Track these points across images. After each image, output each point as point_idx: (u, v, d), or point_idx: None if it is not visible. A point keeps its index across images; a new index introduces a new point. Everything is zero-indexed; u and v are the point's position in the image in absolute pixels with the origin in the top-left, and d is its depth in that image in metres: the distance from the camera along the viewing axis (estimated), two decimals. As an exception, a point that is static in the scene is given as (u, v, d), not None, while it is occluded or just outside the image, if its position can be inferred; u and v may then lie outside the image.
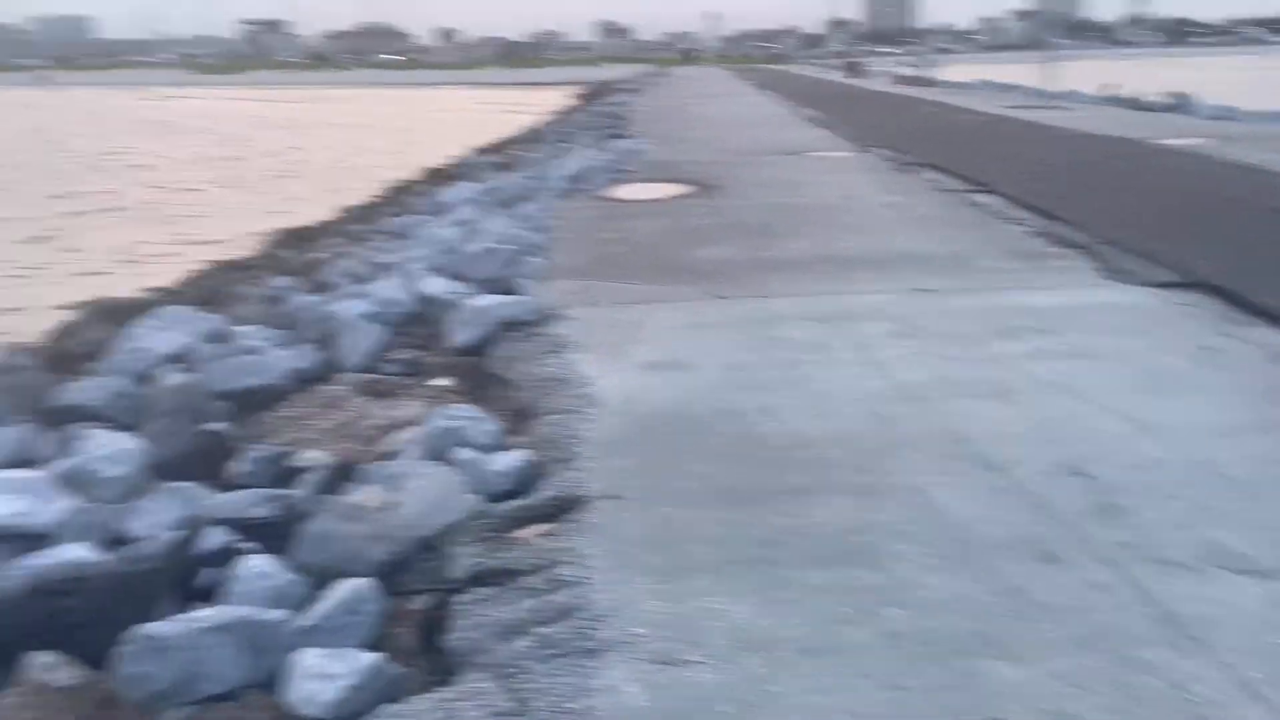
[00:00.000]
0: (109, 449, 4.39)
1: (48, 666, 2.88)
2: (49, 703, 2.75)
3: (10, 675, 2.91)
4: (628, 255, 8.12)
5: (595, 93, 48.63)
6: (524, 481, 4.01)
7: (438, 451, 4.23)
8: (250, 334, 6.58)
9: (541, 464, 4.10)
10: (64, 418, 5.30)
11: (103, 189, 23.46)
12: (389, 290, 7.31)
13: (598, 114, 28.96)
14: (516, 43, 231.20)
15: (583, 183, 12.72)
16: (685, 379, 5.05)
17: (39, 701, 2.74)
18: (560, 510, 3.63)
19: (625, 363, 5.33)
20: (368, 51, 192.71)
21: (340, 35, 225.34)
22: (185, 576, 3.32)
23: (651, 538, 3.39)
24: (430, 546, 3.50)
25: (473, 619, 3.00)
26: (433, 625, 3.07)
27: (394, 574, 3.36)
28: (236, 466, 4.47)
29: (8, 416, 5.37)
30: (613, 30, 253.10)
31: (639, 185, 12.20)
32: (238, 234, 17.29)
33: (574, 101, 45.60)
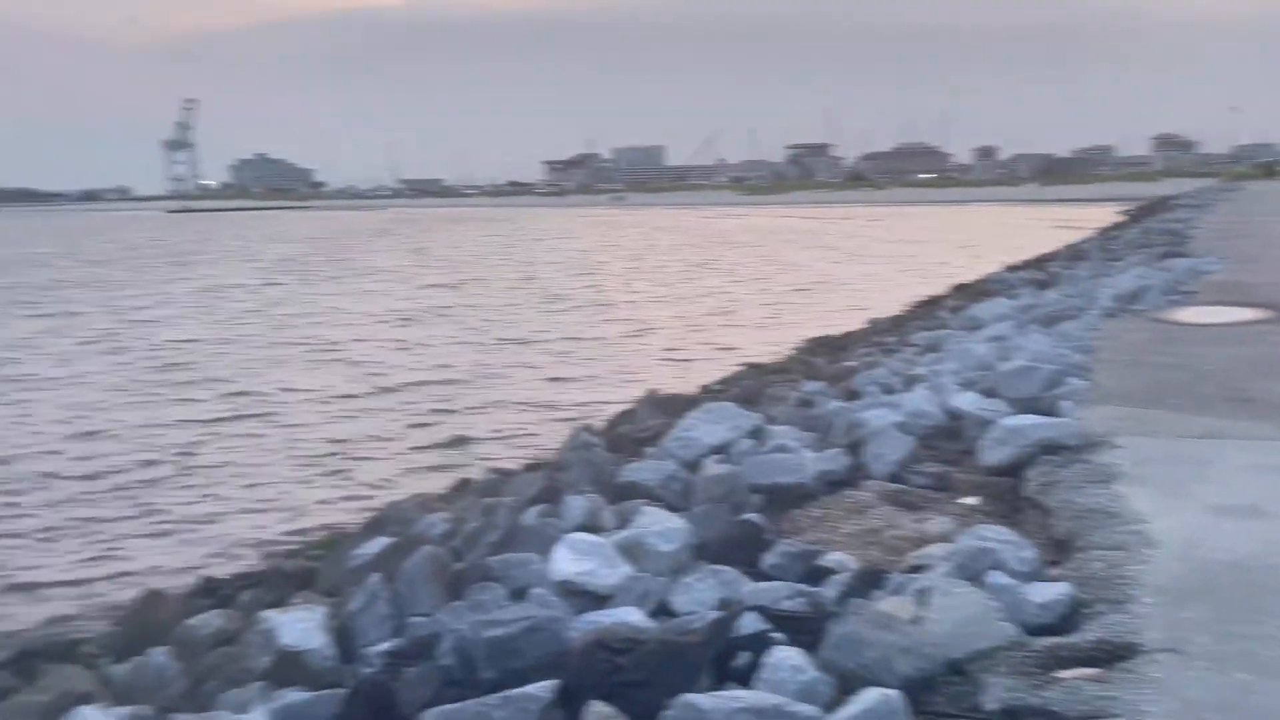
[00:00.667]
0: (661, 526, 4.81)
1: (604, 717, 3.17)
2: (602, 750, 3.01)
3: (573, 718, 3.25)
4: (1189, 383, 7.30)
5: (1150, 208, 45.10)
6: (1066, 617, 3.70)
7: (969, 572, 4.06)
8: (783, 434, 6.88)
9: (1086, 602, 3.75)
10: (624, 493, 5.93)
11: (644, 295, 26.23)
12: (918, 402, 7.26)
13: (1153, 230, 26.75)
14: (1060, 159, 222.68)
15: (1134, 303, 11.74)
16: (1265, 529, 4.36)
17: (595, 747, 3.01)
18: (1109, 656, 3.28)
19: (1187, 502, 4.75)
20: (904, 171, 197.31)
21: (878, 156, 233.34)
22: (723, 656, 3.49)
23: (1224, 704, 2.94)
24: (960, 670, 3.34)
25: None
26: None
27: (920, 692, 3.25)
28: (768, 558, 4.65)
29: (581, 487, 6.14)
30: (1172, 143, 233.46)
31: (1203, 308, 10.98)
32: (774, 340, 18.48)
33: (1124, 218, 42.71)
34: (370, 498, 9.86)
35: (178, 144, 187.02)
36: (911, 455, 6.23)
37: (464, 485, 8.87)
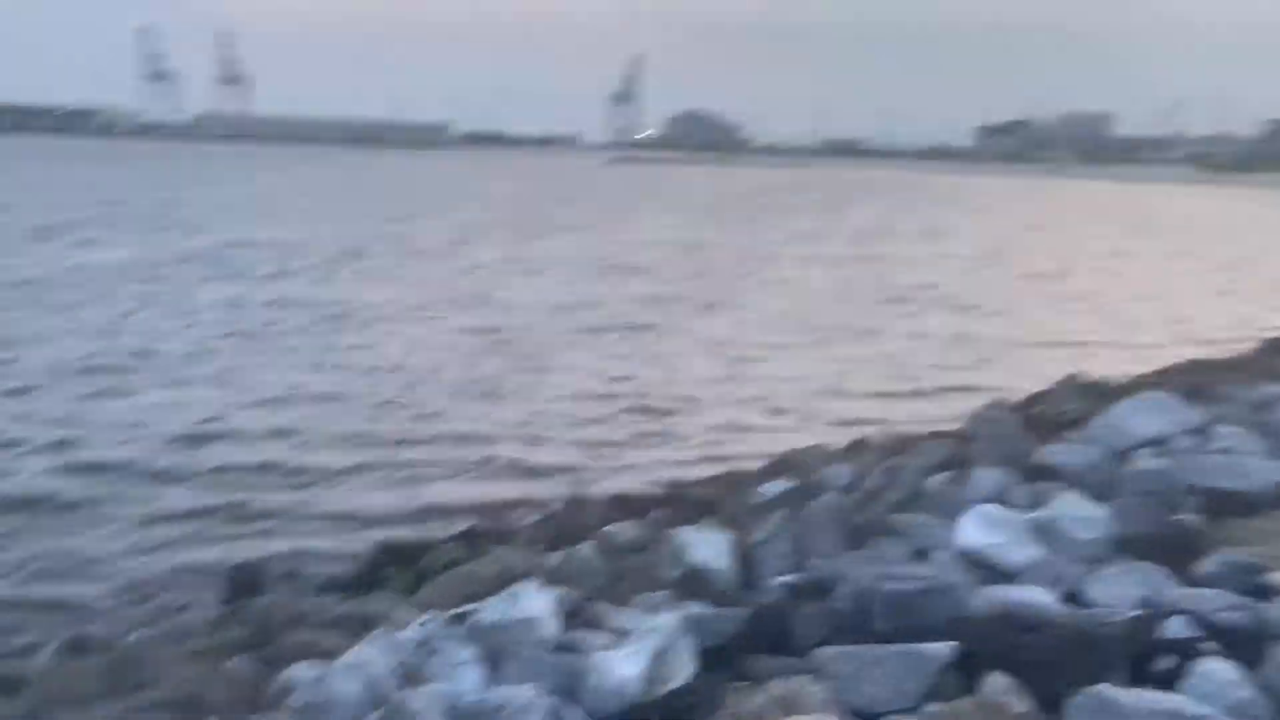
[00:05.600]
0: (1080, 512, 4.54)
1: (1003, 689, 3.10)
2: (1000, 721, 2.96)
3: (971, 685, 3.21)
4: None
5: None
6: None
7: None
8: (1231, 435, 6.18)
9: None
10: (1037, 474, 5.66)
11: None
12: None
13: None
14: None
15: None
16: None
17: (993, 718, 2.96)
18: None
19: None
20: None
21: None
22: (1141, 655, 3.26)
23: None
24: None
25: None
26: None
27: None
28: (1203, 564, 4.25)
29: (990, 460, 5.94)
30: None
31: None
32: (1232, 335, 16.47)
33: None
34: (772, 439, 10.16)
35: (622, 97, 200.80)
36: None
37: (862, 443, 8.89)
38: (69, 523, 8.14)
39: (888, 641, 3.80)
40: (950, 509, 5.06)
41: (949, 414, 10.26)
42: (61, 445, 9.85)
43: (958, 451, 6.49)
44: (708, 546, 4.75)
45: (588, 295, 20.07)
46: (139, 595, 6.91)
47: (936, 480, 5.74)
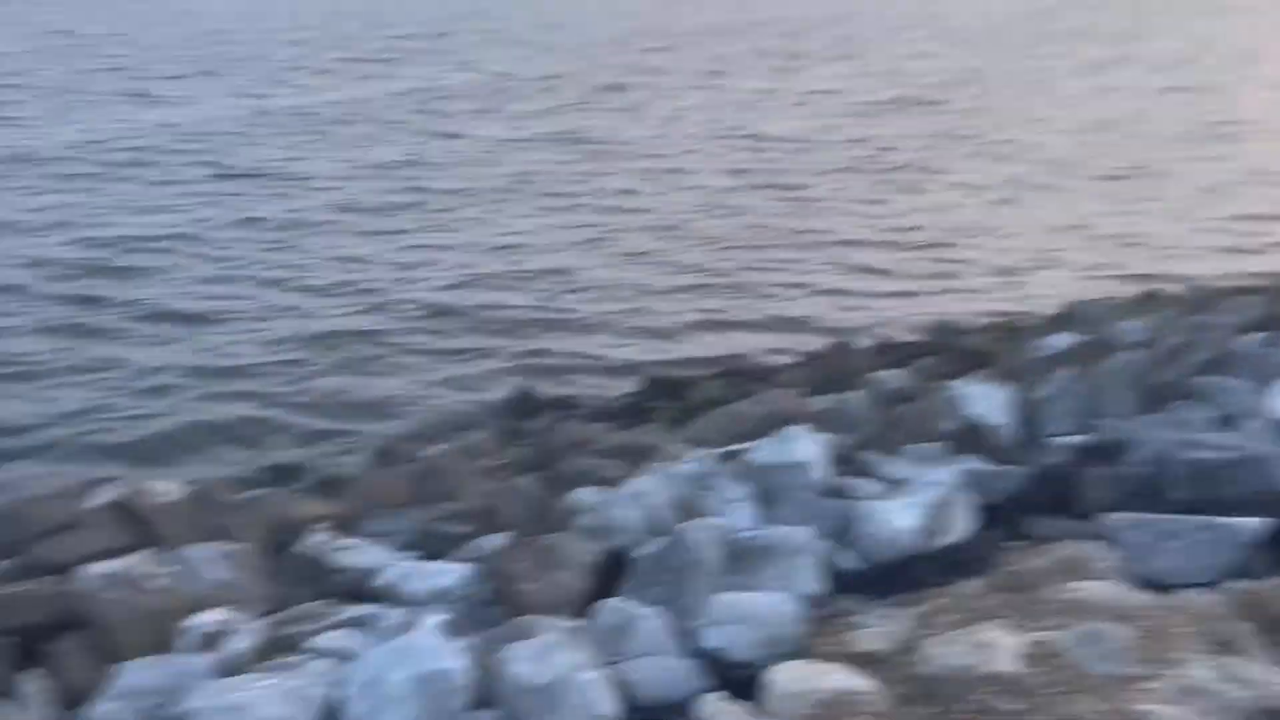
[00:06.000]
0: None
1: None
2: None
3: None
4: None
5: None
6: None
7: None
8: None
9: None
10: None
11: None
12: None
13: None
14: None
15: None
16: None
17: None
18: None
19: None
20: None
21: None
22: None
23: None
24: None
25: None
26: None
27: None
28: None
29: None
30: None
31: None
32: None
33: None
34: (1046, 295, 9.57)
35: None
36: None
37: (1156, 296, 8.23)
38: (366, 356, 8.92)
39: (1186, 512, 3.59)
40: (1263, 373, 4.63)
41: (1258, 269, 9.28)
42: (352, 286, 10.70)
43: (1274, 310, 5.89)
44: (986, 400, 4.60)
45: (853, 132, 19.31)
46: (433, 416, 7.56)
47: (1248, 341, 5.24)
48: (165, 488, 4.95)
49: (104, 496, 4.65)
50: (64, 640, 3.42)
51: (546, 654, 2.90)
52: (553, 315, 9.76)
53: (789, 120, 20.73)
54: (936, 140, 18.52)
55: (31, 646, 3.41)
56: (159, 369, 8.70)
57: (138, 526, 4.22)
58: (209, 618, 3.42)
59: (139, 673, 3.10)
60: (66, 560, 3.94)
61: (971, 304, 9.71)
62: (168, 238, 12.54)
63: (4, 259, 11.78)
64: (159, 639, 3.39)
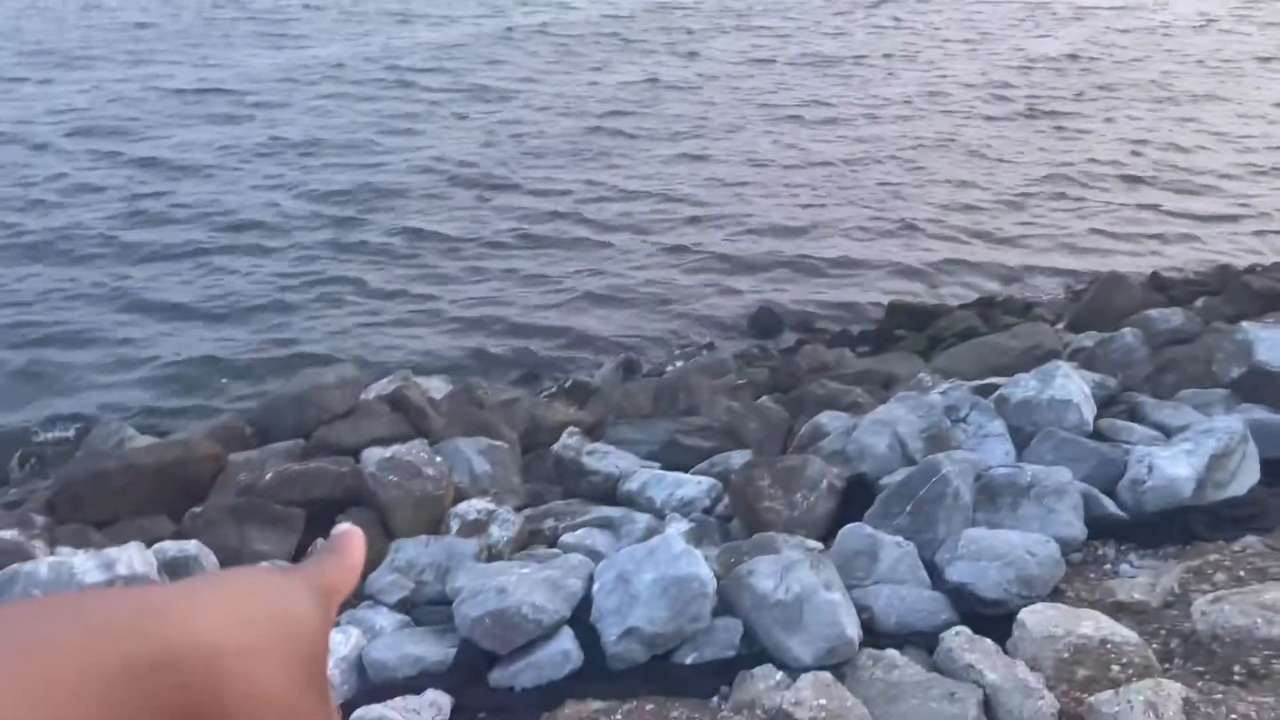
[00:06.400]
0: None
1: None
2: None
3: None
4: None
5: None
6: None
7: None
8: None
9: None
10: None
11: None
12: None
13: None
14: None
15: None
16: None
17: None
18: None
19: None
20: None
21: None
22: None
23: None
24: None
25: None
26: None
27: None
28: None
29: None
30: None
31: None
32: None
33: None
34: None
35: None
36: None
37: None
38: (611, 256, 9.10)
39: None
40: None
41: None
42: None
43: None
44: (1277, 345, 4.18)
45: (1105, 44, 17.74)
46: (676, 331, 7.69)
47: None
48: (433, 385, 5.31)
49: (381, 389, 5.05)
50: (348, 514, 3.76)
51: (788, 571, 2.93)
52: (782, 235, 9.59)
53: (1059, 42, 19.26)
54: (1188, 64, 16.74)
55: (321, 517, 3.78)
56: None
57: (411, 416, 4.56)
58: (474, 505, 3.67)
59: (413, 550, 3.38)
60: (350, 444, 4.32)
61: (1252, 241, 8.85)
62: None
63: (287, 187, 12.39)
64: (430, 521, 3.68)
